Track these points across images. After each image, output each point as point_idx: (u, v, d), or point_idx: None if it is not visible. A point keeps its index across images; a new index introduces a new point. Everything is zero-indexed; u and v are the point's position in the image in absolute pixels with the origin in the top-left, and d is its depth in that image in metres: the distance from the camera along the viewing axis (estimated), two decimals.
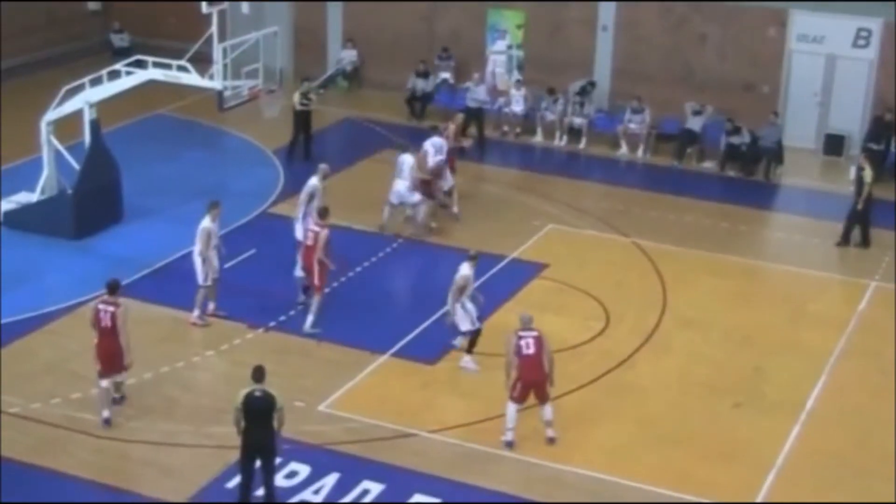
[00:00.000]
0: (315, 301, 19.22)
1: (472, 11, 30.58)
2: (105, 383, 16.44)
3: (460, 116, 25.35)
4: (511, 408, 16.37)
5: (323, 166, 21.49)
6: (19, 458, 15.73)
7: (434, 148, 23.00)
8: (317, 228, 19.26)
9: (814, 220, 24.74)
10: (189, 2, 23.05)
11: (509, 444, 16.38)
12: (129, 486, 15.39)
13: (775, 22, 28.22)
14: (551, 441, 16.48)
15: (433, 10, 31.00)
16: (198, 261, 19.32)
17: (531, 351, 16.19)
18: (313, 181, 20.98)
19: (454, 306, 18.21)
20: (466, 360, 18.44)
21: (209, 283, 19.42)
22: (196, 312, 19.49)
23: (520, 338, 16.28)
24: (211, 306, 19.64)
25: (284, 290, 20.26)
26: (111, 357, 16.40)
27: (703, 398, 18.02)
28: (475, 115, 27.98)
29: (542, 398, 16.48)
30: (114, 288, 16.60)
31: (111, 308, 16.36)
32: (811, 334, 20.02)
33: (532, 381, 16.28)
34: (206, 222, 19.34)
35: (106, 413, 16.50)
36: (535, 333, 16.30)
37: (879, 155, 25.76)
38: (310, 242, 19.25)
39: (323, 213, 19.64)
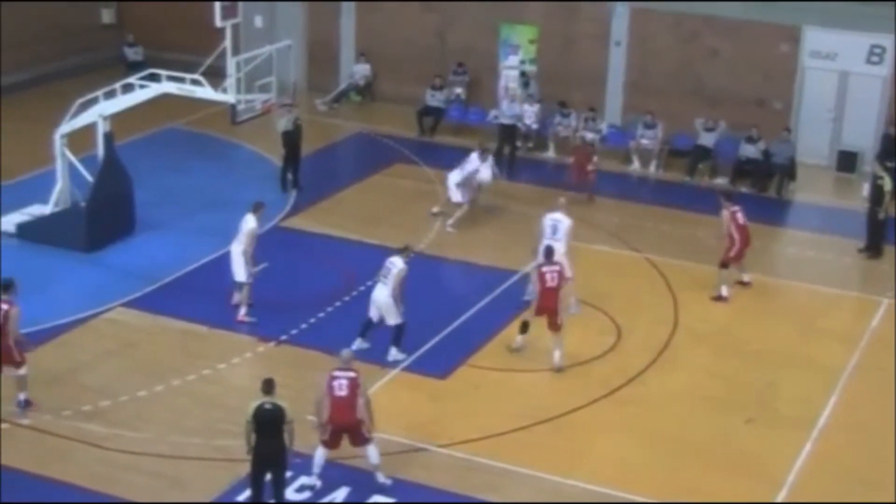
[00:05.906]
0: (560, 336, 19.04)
1: (485, 26, 30.60)
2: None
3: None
4: (319, 452, 15.51)
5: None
6: (28, 469, 15.73)
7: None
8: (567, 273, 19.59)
9: (826, 236, 24.67)
10: (202, 15, 23.08)
11: (311, 488, 15.51)
12: (137, 498, 15.35)
13: (787, 38, 28.19)
14: (382, 488, 15.61)
15: (446, 25, 31.04)
16: (240, 260, 19.62)
17: (343, 393, 15.20)
18: (565, 220, 20.78)
19: (401, 298, 18.56)
20: (393, 353, 18.69)
21: (251, 280, 19.72)
22: (243, 310, 19.82)
23: (333, 378, 15.31)
24: (237, 297, 20.01)
25: (296, 303, 20.28)
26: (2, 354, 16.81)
27: (714, 413, 17.96)
28: (509, 132, 27.81)
29: (356, 442, 15.52)
30: (7, 286, 16.89)
31: (4, 307, 16.67)
32: (823, 350, 19.94)
33: (341, 424, 15.31)
34: (253, 222, 19.67)
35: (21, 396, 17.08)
36: (350, 374, 15.32)
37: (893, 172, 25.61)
38: (554, 284, 18.99)
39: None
